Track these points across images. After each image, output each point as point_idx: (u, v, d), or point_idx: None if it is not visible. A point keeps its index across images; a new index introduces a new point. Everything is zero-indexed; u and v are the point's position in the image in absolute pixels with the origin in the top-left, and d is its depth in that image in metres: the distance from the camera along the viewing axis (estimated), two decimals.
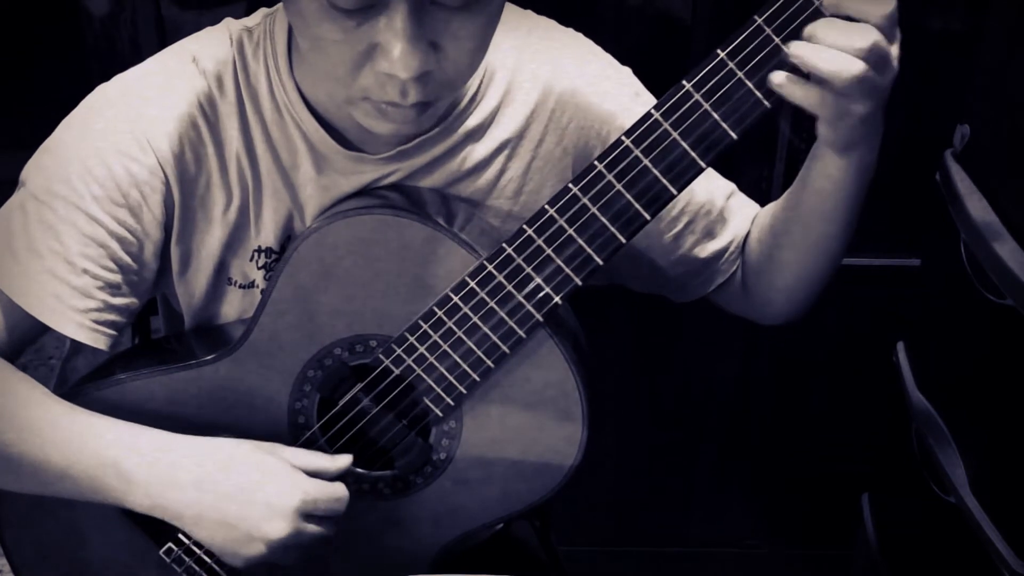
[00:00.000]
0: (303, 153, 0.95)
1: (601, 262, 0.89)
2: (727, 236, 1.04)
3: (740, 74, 0.82)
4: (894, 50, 0.81)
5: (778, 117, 0.84)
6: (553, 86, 0.99)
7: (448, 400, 0.95)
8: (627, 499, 1.93)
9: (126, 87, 0.95)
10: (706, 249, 1.04)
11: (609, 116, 0.99)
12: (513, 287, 0.90)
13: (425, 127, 0.93)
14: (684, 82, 0.83)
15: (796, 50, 0.80)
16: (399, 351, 0.94)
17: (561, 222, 0.88)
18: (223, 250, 0.98)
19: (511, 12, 1.00)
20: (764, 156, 1.61)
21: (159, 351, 1.04)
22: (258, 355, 0.95)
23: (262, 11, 0.98)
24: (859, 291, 1.68)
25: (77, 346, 0.96)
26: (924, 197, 1.45)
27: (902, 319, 1.56)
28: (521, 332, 0.91)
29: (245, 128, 0.95)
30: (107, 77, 0.96)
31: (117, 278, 0.94)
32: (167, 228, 0.96)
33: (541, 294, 0.90)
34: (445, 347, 0.93)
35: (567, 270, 0.89)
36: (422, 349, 0.93)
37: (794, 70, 0.81)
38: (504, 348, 0.92)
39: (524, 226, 0.89)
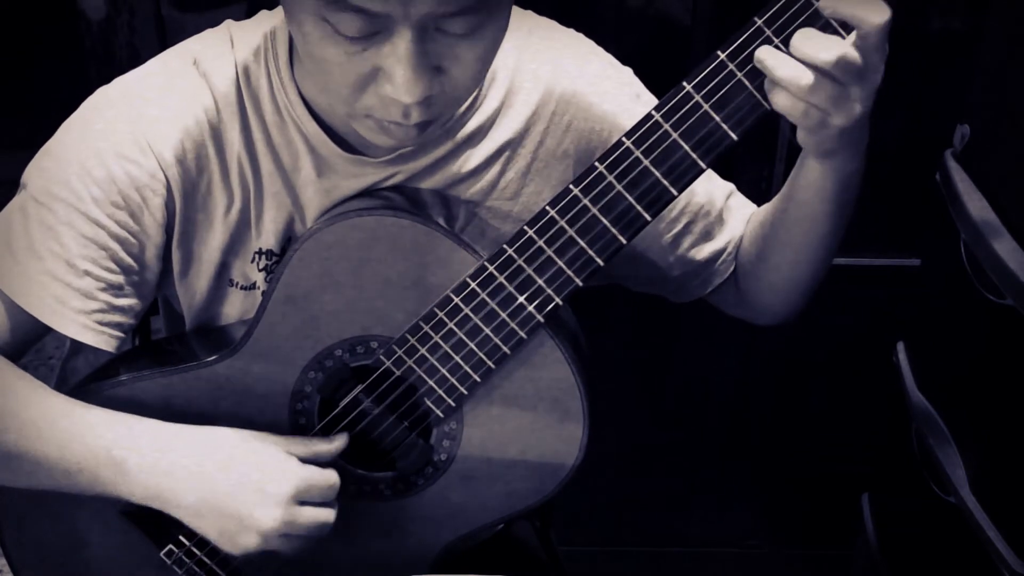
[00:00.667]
0: (304, 156, 0.95)
1: (602, 263, 0.89)
2: (725, 237, 1.05)
3: (740, 75, 0.82)
4: (875, 63, 0.80)
5: (778, 117, 0.83)
6: (554, 87, 0.99)
7: (449, 401, 0.95)
8: (627, 499, 1.93)
9: (127, 89, 0.95)
10: (704, 250, 1.04)
11: (610, 117, 0.99)
12: (514, 288, 0.90)
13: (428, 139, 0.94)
14: (684, 83, 0.83)
15: (760, 54, 0.80)
16: (400, 352, 0.94)
17: (562, 223, 0.88)
18: (224, 252, 0.98)
19: (512, 12, 1.00)
20: (764, 156, 1.61)
21: (160, 352, 1.04)
22: (259, 356, 0.95)
23: (263, 13, 0.98)
24: (859, 291, 1.68)
25: (77, 346, 0.96)
26: (924, 197, 1.45)
27: (902, 319, 1.56)
28: (522, 333, 0.91)
29: (246, 130, 0.95)
30: (107, 79, 0.96)
31: (119, 279, 0.94)
32: (168, 230, 0.96)
33: (542, 295, 0.90)
34: (446, 348, 0.93)
35: (568, 271, 0.89)
36: (423, 350, 0.93)
37: None
38: (505, 349, 0.92)
39: (525, 227, 0.89)
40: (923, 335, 1.50)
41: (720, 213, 1.04)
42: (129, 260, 0.95)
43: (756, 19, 0.81)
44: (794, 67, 0.79)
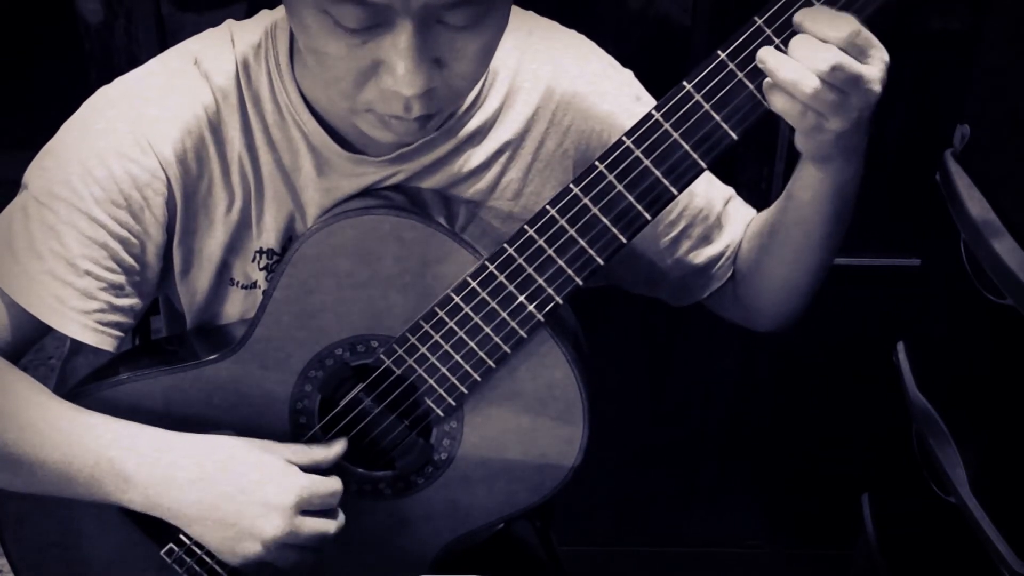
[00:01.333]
0: (304, 155, 0.96)
1: (602, 262, 0.89)
2: (723, 242, 1.05)
3: (741, 75, 0.82)
4: (869, 72, 0.80)
5: (778, 117, 0.83)
6: (555, 88, 0.99)
7: (449, 400, 0.95)
8: (627, 499, 1.93)
9: (127, 88, 0.95)
10: (702, 254, 1.04)
11: (610, 118, 0.99)
12: (514, 287, 0.90)
13: (429, 135, 0.94)
14: (685, 83, 0.83)
15: (763, 55, 0.80)
16: (400, 351, 0.94)
17: (562, 223, 0.88)
18: (225, 251, 0.99)
19: (513, 12, 1.00)
20: (764, 156, 1.61)
21: (161, 351, 1.04)
22: (260, 355, 0.95)
23: (264, 13, 0.98)
24: (859, 291, 1.68)
25: (77, 346, 0.96)
26: (924, 197, 1.45)
27: (902, 319, 1.56)
28: (522, 332, 0.91)
29: (247, 130, 0.95)
30: (107, 79, 0.96)
31: (120, 279, 0.94)
32: (169, 229, 0.96)
33: (542, 295, 0.90)
34: (447, 347, 0.93)
35: (568, 271, 0.89)
36: (423, 349, 0.93)
37: None
38: (505, 348, 0.92)
39: (525, 226, 0.89)
40: (923, 335, 1.50)
41: (719, 217, 1.04)
42: (130, 260, 0.95)
43: (756, 19, 0.81)
44: (796, 70, 0.79)
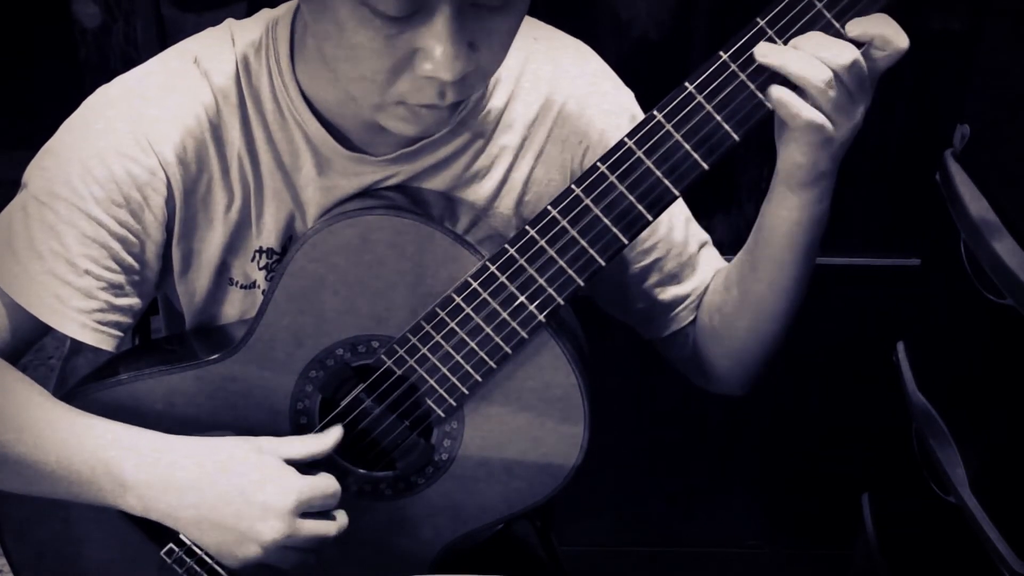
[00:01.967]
0: (305, 154, 0.95)
1: (604, 263, 0.89)
2: (691, 284, 1.05)
3: (743, 76, 0.82)
4: (868, 89, 0.81)
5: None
6: (556, 96, 0.99)
7: (450, 401, 0.95)
8: (627, 499, 1.93)
9: (127, 88, 0.95)
10: (668, 292, 1.04)
11: (607, 132, 0.99)
12: (516, 288, 0.90)
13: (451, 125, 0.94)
14: (687, 84, 0.83)
15: (764, 50, 0.80)
16: (401, 352, 0.94)
17: (563, 223, 0.88)
18: (224, 250, 0.98)
19: None
20: (764, 156, 1.61)
21: (160, 351, 1.04)
22: (260, 356, 0.95)
23: (264, 11, 0.98)
24: (859, 291, 1.68)
25: (77, 346, 0.96)
26: (924, 197, 1.45)
27: (902, 319, 1.57)
28: (523, 333, 0.91)
29: (247, 129, 0.95)
30: (107, 78, 0.96)
31: (120, 279, 0.94)
32: (169, 229, 0.96)
33: (543, 295, 0.90)
34: (447, 348, 0.93)
35: (569, 271, 0.89)
36: (424, 350, 0.93)
37: (786, 82, 0.81)
38: (506, 349, 0.92)
39: (527, 227, 0.89)
40: (923, 335, 1.50)
41: (691, 258, 1.04)
42: (130, 259, 0.95)
43: (759, 20, 0.81)
44: (807, 61, 0.79)
